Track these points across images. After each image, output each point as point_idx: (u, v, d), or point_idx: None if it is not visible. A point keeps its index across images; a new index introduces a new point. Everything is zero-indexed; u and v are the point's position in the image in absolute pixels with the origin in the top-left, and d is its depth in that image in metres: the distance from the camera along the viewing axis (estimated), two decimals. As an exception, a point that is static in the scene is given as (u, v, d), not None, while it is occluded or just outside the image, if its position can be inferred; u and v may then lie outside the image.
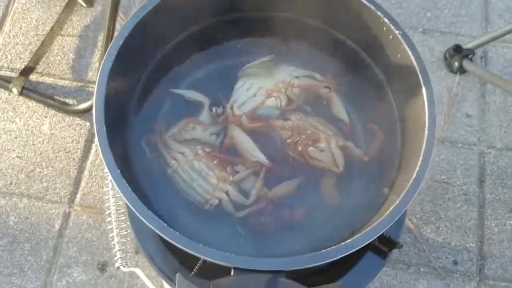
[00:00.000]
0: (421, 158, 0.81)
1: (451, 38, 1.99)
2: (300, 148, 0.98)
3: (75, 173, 1.73)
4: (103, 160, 0.79)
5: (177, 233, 0.75)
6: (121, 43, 0.87)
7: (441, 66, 1.93)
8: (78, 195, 1.71)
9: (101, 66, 0.85)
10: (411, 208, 1.69)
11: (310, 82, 1.05)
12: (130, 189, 0.77)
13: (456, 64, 1.87)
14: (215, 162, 0.97)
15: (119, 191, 0.77)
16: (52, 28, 1.90)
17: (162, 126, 1.00)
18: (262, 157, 0.97)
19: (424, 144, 0.81)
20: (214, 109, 1.02)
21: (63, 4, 1.97)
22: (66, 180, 1.72)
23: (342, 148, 0.98)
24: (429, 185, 1.74)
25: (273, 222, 0.94)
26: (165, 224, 0.76)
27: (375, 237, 0.75)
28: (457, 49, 1.87)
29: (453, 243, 1.66)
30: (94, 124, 0.81)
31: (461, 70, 1.89)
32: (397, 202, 0.77)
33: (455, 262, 1.64)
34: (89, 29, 1.96)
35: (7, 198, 1.69)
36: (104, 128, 0.79)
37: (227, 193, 0.96)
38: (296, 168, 0.97)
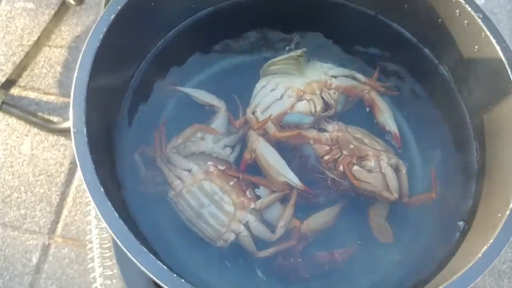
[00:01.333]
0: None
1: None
2: (341, 167, 0.80)
3: (57, 200, 1.57)
4: (82, 176, 0.61)
5: (182, 280, 0.56)
6: (105, 29, 0.72)
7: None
8: (60, 225, 1.55)
9: (80, 57, 0.72)
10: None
11: (351, 83, 0.90)
12: (117, 216, 0.58)
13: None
14: (231, 183, 0.80)
15: (103, 220, 0.59)
16: (38, 38, 1.79)
17: (162, 135, 0.84)
18: (293, 178, 0.80)
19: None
20: (232, 116, 0.86)
21: (52, 13, 1.85)
22: (46, 208, 1.57)
23: (396, 168, 0.80)
24: None
25: (304, 265, 0.78)
26: (164, 267, 0.57)
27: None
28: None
29: (486, 289, 1.52)
30: (71, 129, 0.65)
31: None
32: (491, 241, 0.56)
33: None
34: (80, 40, 1.82)
35: (-21, 226, 1.58)
36: (85, 130, 0.59)
37: (246, 225, 0.80)
38: (337, 193, 0.81)
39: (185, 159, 0.81)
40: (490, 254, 0.57)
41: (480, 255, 0.56)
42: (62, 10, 1.79)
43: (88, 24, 1.86)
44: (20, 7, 1.87)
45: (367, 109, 0.89)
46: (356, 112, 0.88)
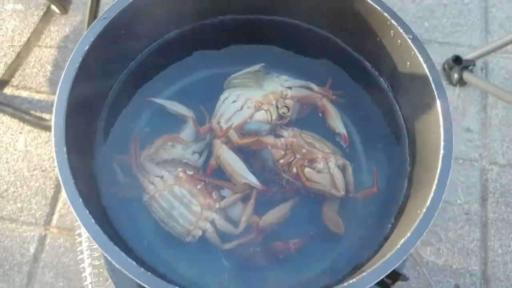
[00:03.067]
0: (435, 182, 0.71)
1: (450, 48, 1.92)
2: (294, 169, 0.89)
3: (52, 193, 1.66)
4: (63, 188, 0.70)
5: (149, 273, 0.65)
6: (86, 48, 0.78)
7: (440, 78, 1.86)
8: (55, 217, 1.63)
9: (64, 71, 0.78)
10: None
11: (305, 92, 0.98)
12: (94, 222, 0.67)
13: (456, 75, 1.81)
14: (198, 187, 0.89)
15: (82, 226, 0.68)
16: (28, 39, 1.86)
17: (137, 145, 0.91)
18: (252, 179, 0.88)
19: (440, 165, 0.72)
20: (198, 124, 0.94)
21: (41, 14, 1.91)
22: (42, 201, 1.65)
23: (343, 168, 0.90)
24: (429, 204, 1.66)
25: (263, 254, 0.86)
26: (133, 263, 0.65)
27: (384, 276, 0.64)
28: (457, 60, 1.81)
29: (454, 266, 1.59)
30: (53, 144, 0.72)
31: (461, 82, 1.82)
32: (408, 234, 0.67)
33: (457, 286, 1.57)
34: (68, 39, 1.89)
35: (-22, 220, 1.61)
36: (65, 148, 0.69)
37: (212, 222, 0.88)
38: (290, 191, 0.89)
39: (157, 166, 0.89)
40: (407, 246, 0.67)
41: (398, 247, 0.66)
42: (50, 11, 1.86)
43: (76, 23, 1.91)
44: (10, 9, 1.94)
45: (320, 115, 0.96)
46: (310, 118, 0.96)
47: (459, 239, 1.62)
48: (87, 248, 1.02)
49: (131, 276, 0.64)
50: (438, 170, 0.71)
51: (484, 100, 1.82)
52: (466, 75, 1.78)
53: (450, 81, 1.83)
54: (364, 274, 0.65)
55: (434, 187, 0.69)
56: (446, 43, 1.93)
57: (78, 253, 1.02)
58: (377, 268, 0.65)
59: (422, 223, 0.67)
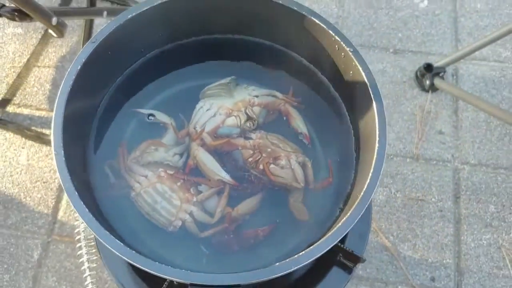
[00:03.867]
0: (371, 171, 0.82)
1: (422, 57, 2.02)
2: (261, 166, 0.99)
3: (53, 203, 1.73)
4: (62, 185, 0.79)
5: (135, 252, 0.76)
6: (79, 67, 0.89)
7: (412, 85, 1.96)
8: (57, 225, 1.70)
9: (60, 88, 0.88)
10: (388, 226, 1.70)
11: (270, 99, 1.08)
12: (88, 212, 0.77)
13: (428, 82, 1.90)
14: (178, 184, 0.98)
15: (80, 217, 0.78)
16: (28, 60, 1.93)
17: (124, 150, 1.01)
18: (225, 176, 0.98)
19: (375, 157, 0.83)
20: (177, 129, 1.03)
21: (39, 36, 2.00)
22: (44, 210, 1.72)
23: (302, 164, 1.00)
24: (404, 203, 1.75)
25: (236, 240, 0.95)
26: (121, 244, 0.76)
27: (324, 251, 0.75)
28: (428, 67, 1.90)
29: (430, 260, 1.67)
30: (52, 148, 0.83)
31: (433, 88, 1.92)
32: (346, 217, 0.79)
33: (432, 279, 1.65)
34: (65, 59, 1.98)
35: (-15, 229, 1.67)
36: (62, 152, 0.80)
37: (191, 214, 0.97)
38: (258, 185, 0.99)
39: (142, 167, 0.98)
40: (341, 231, 0.77)
41: (339, 225, 0.77)
42: (48, 33, 1.93)
43: (72, 44, 1.99)
44: (10, 33, 2.03)
45: (284, 118, 1.06)
46: (275, 122, 1.06)
47: (434, 235, 1.70)
48: (85, 245, 1.11)
49: (122, 256, 0.75)
50: (373, 162, 0.82)
51: (455, 104, 1.91)
52: (437, 82, 1.87)
53: (423, 88, 1.92)
54: (311, 247, 0.76)
55: (369, 175, 0.81)
56: (418, 52, 2.02)
57: (78, 249, 1.10)
58: (322, 242, 0.76)
59: (359, 206, 0.79)
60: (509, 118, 1.58)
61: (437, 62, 1.91)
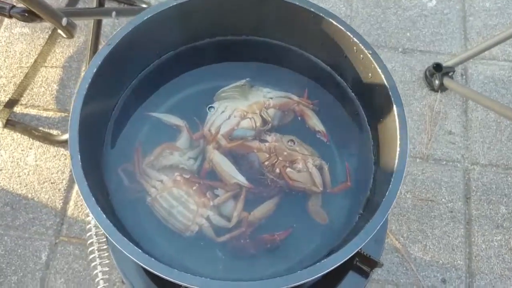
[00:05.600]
0: (393, 177, 0.81)
1: (431, 57, 2.03)
2: (278, 170, 0.99)
3: (61, 204, 1.74)
4: (78, 188, 0.79)
5: (152, 259, 0.75)
6: (94, 71, 0.88)
7: (422, 85, 1.96)
8: (64, 226, 1.70)
9: (75, 93, 0.88)
10: (398, 227, 1.70)
11: (285, 100, 1.07)
12: (104, 216, 0.77)
13: (437, 82, 1.90)
14: (194, 188, 0.98)
15: (95, 219, 0.77)
16: (35, 60, 1.92)
17: (139, 154, 1.00)
18: (241, 179, 0.98)
19: (396, 162, 0.82)
20: (191, 132, 1.03)
21: (46, 36, 1.99)
22: (52, 211, 1.72)
23: (319, 167, 0.99)
24: (414, 203, 1.75)
25: (252, 245, 0.94)
26: (139, 250, 0.75)
27: (347, 258, 0.75)
28: (437, 67, 1.90)
29: (441, 261, 1.67)
30: (69, 151, 0.81)
31: (442, 88, 1.92)
32: (369, 222, 0.78)
33: (443, 280, 1.64)
34: (72, 59, 1.99)
35: (-7, 230, 1.67)
36: (79, 156, 0.80)
37: (207, 218, 0.96)
38: (275, 189, 0.98)
39: (157, 172, 0.98)
40: (363, 238, 0.77)
41: (357, 236, 0.77)
42: (55, 33, 1.92)
43: (79, 44, 2.00)
44: (17, 33, 2.03)
45: (299, 118, 1.06)
46: (291, 124, 1.05)
47: (445, 236, 1.70)
48: (97, 248, 1.08)
49: (141, 263, 0.74)
50: (395, 167, 0.81)
51: (465, 104, 1.91)
52: (447, 81, 1.87)
53: (432, 87, 1.92)
54: (332, 255, 0.75)
55: (391, 181, 0.80)
56: (427, 52, 2.03)
57: (90, 252, 1.07)
58: (344, 250, 0.76)
59: (380, 212, 0.78)
60: (520, 118, 1.58)
61: (446, 62, 1.91)
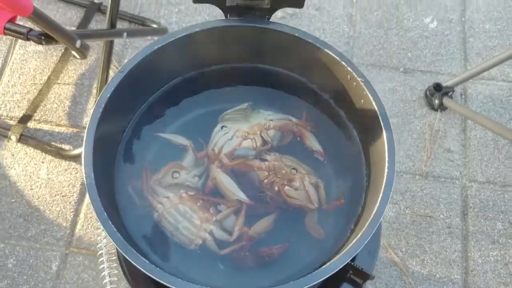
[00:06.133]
0: (381, 195, 0.87)
1: (432, 77, 2.06)
2: (276, 188, 1.04)
3: (72, 216, 1.77)
4: (92, 205, 0.85)
5: (158, 269, 0.81)
6: (108, 95, 0.94)
7: (422, 104, 1.99)
8: (75, 237, 1.74)
9: (90, 116, 0.93)
10: (397, 242, 1.74)
11: (284, 122, 1.13)
12: (115, 230, 0.83)
13: (437, 101, 1.94)
14: (198, 204, 1.03)
15: (107, 234, 0.83)
16: (49, 77, 1.97)
17: (148, 172, 1.06)
18: (242, 196, 1.03)
19: (384, 182, 0.88)
20: (196, 151, 1.08)
21: (59, 54, 2.04)
22: (62, 223, 1.76)
23: (315, 185, 1.05)
24: (413, 219, 1.79)
25: (252, 257, 1.00)
26: (146, 261, 0.81)
27: (335, 270, 0.80)
28: (437, 87, 1.94)
29: (438, 275, 1.70)
30: (83, 171, 0.87)
31: (442, 107, 1.96)
32: (357, 237, 0.84)
33: (441, 294, 1.65)
34: (84, 77, 2.03)
35: (6, 241, 1.72)
36: (92, 174, 0.85)
37: (210, 232, 1.01)
38: (273, 205, 1.03)
39: (164, 189, 1.03)
40: (351, 252, 0.83)
41: (345, 250, 0.83)
42: (68, 51, 1.97)
43: (91, 62, 2.02)
44: (31, 51, 2.06)
45: (298, 139, 1.11)
46: (289, 145, 1.10)
47: (442, 251, 1.73)
48: (107, 259, 1.12)
49: (147, 273, 0.80)
50: (383, 187, 0.87)
51: (464, 122, 1.94)
52: (446, 101, 1.90)
53: (432, 107, 1.96)
54: (324, 266, 0.81)
55: (379, 199, 0.86)
56: (428, 72, 2.06)
57: (99, 263, 1.11)
58: (334, 262, 0.82)
59: (369, 228, 0.84)
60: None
61: (446, 82, 1.95)
